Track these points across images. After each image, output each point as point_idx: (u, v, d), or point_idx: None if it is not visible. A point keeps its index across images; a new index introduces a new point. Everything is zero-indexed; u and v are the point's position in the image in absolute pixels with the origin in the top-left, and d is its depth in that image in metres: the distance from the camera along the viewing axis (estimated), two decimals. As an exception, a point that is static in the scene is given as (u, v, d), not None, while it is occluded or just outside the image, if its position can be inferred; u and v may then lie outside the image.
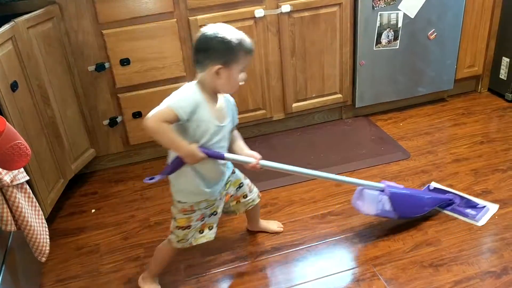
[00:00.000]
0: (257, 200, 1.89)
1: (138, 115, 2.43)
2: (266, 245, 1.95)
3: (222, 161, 1.63)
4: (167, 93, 1.50)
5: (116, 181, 2.49)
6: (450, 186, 2.19)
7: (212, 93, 1.55)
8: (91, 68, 2.29)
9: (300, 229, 2.03)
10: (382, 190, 1.88)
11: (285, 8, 2.41)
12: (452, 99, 3.01)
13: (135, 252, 1.99)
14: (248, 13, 2.38)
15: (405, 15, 2.59)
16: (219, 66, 1.47)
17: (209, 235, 1.72)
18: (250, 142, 2.69)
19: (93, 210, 2.27)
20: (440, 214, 2.03)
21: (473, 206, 2.05)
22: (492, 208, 2.04)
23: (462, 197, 2.10)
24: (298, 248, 1.93)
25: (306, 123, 2.83)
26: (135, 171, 2.56)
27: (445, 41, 2.75)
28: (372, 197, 1.87)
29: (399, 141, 2.61)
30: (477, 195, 2.12)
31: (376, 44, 2.63)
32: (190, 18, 2.32)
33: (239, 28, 2.38)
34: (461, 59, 2.87)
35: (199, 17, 2.32)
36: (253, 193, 1.88)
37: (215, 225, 1.73)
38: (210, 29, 1.48)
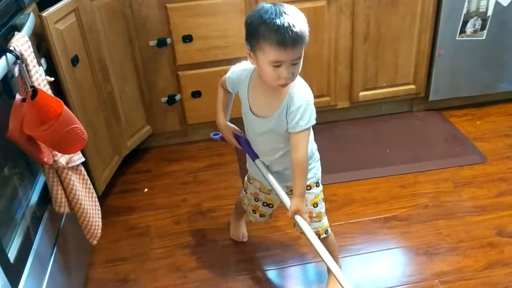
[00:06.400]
0: None
1: (197, 94, 2.33)
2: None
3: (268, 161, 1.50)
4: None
5: (170, 160, 2.42)
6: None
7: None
8: (153, 43, 2.20)
9: (360, 232, 1.89)
10: None
11: (362, -12, 2.21)
12: (539, 98, 2.71)
13: (186, 239, 1.93)
14: (321, -8, 2.21)
15: (497, 3, 2.31)
16: (248, 48, 1.31)
17: (258, 219, 1.72)
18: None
19: (146, 190, 2.22)
20: (520, 232, 1.82)
21: None
22: None
23: None
24: (356, 254, 1.80)
25: (372, 114, 2.63)
26: (190, 151, 2.48)
27: (539, 34, 2.45)
28: None
29: (474, 142, 2.37)
30: None
31: (460, 33, 2.38)
32: (258, -5, 2.17)
33: (309, 9, 2.27)
34: (555, 54, 2.56)
35: (268, -6, 2.17)
36: None
37: (267, 215, 1.71)
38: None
